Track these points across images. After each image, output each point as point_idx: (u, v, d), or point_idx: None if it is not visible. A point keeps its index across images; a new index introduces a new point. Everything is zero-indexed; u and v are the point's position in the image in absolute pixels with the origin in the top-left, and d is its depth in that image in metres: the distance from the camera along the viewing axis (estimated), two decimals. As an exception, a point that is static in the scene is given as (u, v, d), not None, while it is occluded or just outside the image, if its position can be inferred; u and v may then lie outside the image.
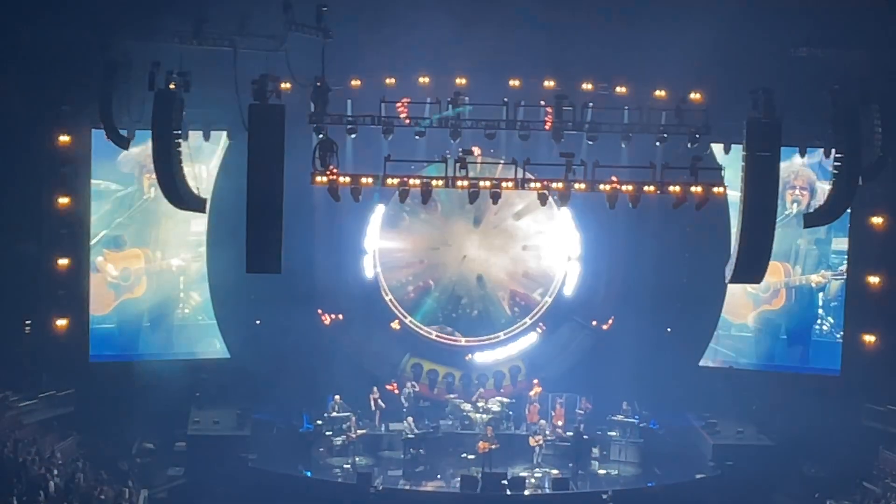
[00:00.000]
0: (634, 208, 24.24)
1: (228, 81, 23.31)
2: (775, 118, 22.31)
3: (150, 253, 30.05)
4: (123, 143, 26.11)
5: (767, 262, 23.02)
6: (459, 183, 23.57)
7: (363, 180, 23.45)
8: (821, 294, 31.04)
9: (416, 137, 24.75)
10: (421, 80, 27.84)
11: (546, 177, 23.93)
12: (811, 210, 27.17)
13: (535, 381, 30.60)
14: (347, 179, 23.31)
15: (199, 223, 29.73)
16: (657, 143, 25.14)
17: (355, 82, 27.51)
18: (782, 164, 24.25)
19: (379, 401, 29.72)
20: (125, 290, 29.85)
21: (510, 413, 29.93)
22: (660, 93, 27.35)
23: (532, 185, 23.94)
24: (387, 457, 29.06)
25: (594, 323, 31.92)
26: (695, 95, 26.08)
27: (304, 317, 30.77)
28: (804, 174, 30.41)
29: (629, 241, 30.92)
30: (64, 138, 28.32)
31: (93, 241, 29.30)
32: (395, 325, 31.83)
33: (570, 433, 29.11)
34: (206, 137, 29.23)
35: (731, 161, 27.28)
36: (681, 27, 25.53)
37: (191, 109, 24.16)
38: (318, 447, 28.72)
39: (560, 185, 23.61)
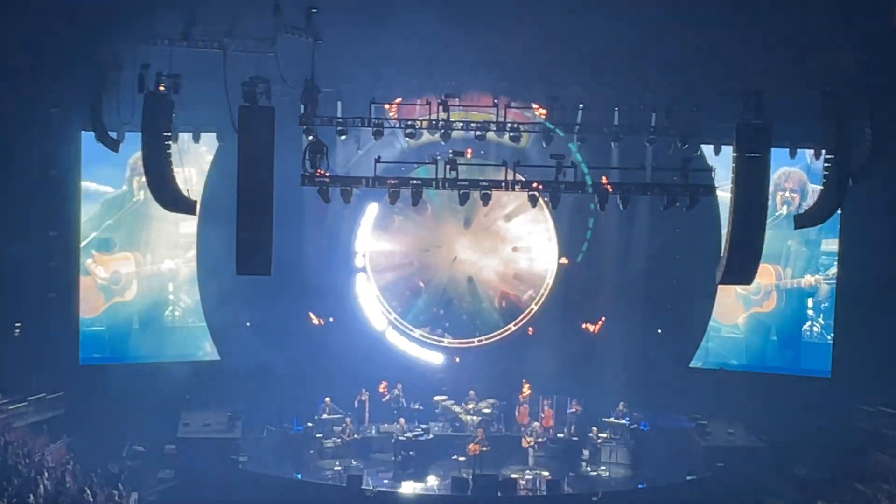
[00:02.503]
0: (624, 209, 24.24)
1: (218, 83, 23.21)
2: (765, 120, 22.32)
3: (139, 255, 29.95)
4: (113, 146, 26.02)
5: (758, 264, 23.02)
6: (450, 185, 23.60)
7: (353, 182, 23.47)
8: (811, 297, 31.06)
9: (407, 140, 24.74)
10: (411, 81, 27.80)
11: (536, 178, 23.94)
12: (802, 211, 27.15)
13: (525, 382, 30.61)
14: (337, 181, 23.32)
15: (189, 225, 29.69)
16: (647, 145, 25.12)
17: (345, 84, 27.49)
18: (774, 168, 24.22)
19: (367, 403, 29.72)
20: (115, 292, 29.74)
21: (501, 415, 29.90)
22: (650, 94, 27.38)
23: (522, 186, 23.98)
24: (377, 459, 29.02)
25: (586, 326, 31.91)
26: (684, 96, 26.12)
27: (295, 319, 30.78)
28: (796, 176, 30.42)
29: (620, 242, 30.96)
30: (53, 140, 28.27)
31: (82, 244, 29.19)
32: (383, 326, 31.83)
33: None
34: (196, 139, 29.23)
35: (721, 162, 27.27)
36: (669, 29, 25.53)
37: (181, 111, 24.10)
38: (309, 449, 28.71)
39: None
